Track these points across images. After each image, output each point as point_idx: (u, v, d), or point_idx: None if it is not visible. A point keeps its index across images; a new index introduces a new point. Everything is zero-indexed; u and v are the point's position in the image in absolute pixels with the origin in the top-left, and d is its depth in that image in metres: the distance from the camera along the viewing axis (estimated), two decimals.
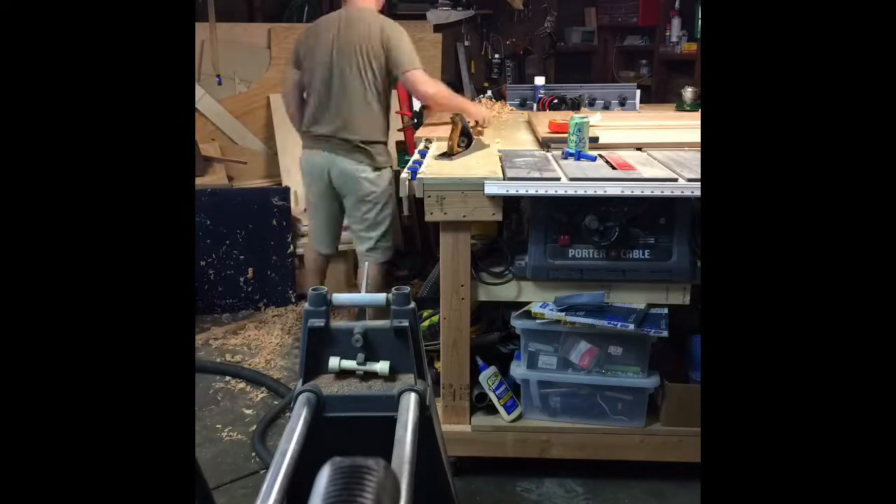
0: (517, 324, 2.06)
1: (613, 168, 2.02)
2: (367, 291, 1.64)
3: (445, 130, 2.63)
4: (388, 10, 3.06)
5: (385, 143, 2.81)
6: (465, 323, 2.04)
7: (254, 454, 2.35)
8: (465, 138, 2.39)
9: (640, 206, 1.94)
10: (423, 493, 1.00)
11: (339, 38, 2.69)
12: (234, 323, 3.41)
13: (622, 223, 1.94)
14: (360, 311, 2.80)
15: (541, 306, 2.02)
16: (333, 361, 1.30)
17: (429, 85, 2.68)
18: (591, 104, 3.43)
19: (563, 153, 2.19)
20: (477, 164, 2.12)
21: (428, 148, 2.46)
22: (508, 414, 2.13)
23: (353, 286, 3.62)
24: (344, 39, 2.68)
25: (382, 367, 1.29)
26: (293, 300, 3.60)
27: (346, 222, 2.96)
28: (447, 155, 2.26)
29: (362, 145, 2.71)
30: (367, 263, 2.35)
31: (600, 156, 2.19)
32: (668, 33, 4.69)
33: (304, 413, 1.19)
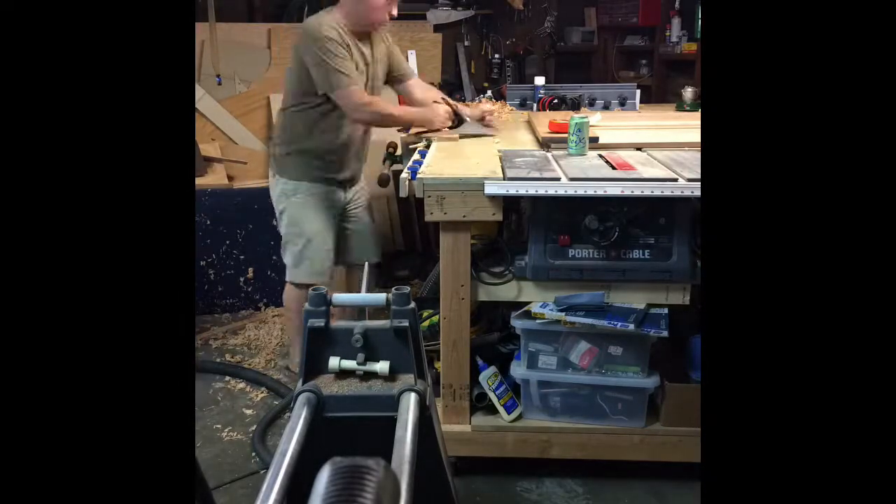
0: (517, 324, 2.06)
1: (613, 168, 2.02)
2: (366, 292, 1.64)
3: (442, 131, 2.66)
4: None
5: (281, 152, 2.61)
6: (465, 323, 2.04)
7: (254, 454, 2.35)
8: (456, 117, 2.57)
9: (640, 206, 1.94)
10: (423, 493, 1.00)
11: None
12: (234, 323, 3.41)
13: (622, 223, 1.94)
14: (359, 311, 2.79)
15: (541, 306, 2.02)
16: (333, 361, 1.30)
17: (354, 111, 2.44)
18: (591, 104, 3.43)
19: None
20: (477, 164, 2.12)
21: (428, 148, 2.46)
22: (508, 414, 2.13)
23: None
24: None
25: (382, 367, 1.29)
26: None
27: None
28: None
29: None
30: (366, 263, 2.35)
31: (600, 156, 2.19)
32: (668, 33, 4.70)
33: (304, 413, 1.19)
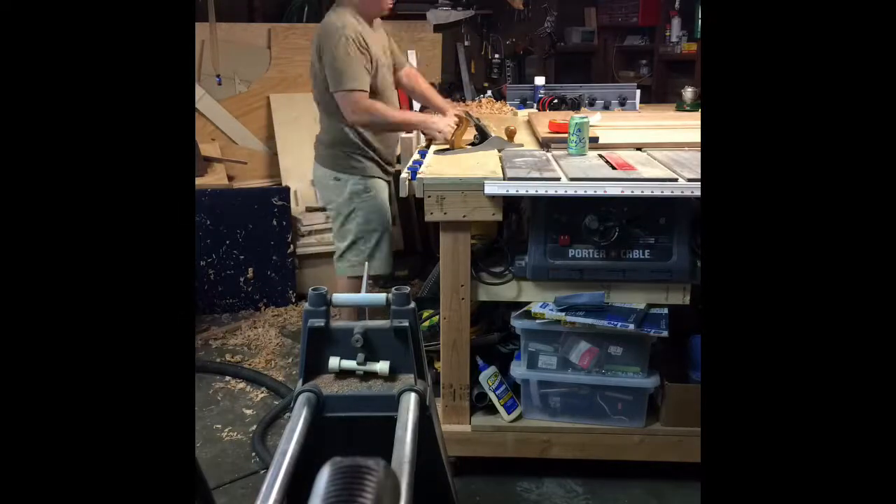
0: (517, 324, 2.06)
1: (613, 168, 2.02)
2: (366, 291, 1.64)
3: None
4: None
5: (348, 151, 2.62)
6: (465, 323, 2.04)
7: (254, 454, 2.35)
8: (480, 135, 2.44)
9: (640, 206, 1.94)
10: (423, 493, 1.00)
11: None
12: (234, 323, 3.41)
13: (622, 223, 1.94)
14: (360, 311, 2.79)
15: (541, 306, 2.02)
16: (333, 361, 1.30)
17: (352, 114, 2.48)
18: (591, 104, 3.43)
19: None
20: (477, 164, 2.12)
21: (428, 148, 2.46)
22: (508, 414, 2.13)
23: None
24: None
25: (382, 367, 1.29)
26: (293, 300, 3.60)
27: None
28: (447, 149, 2.37)
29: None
30: (366, 264, 2.35)
31: (600, 156, 2.19)
32: (668, 33, 4.69)
33: (304, 413, 1.19)
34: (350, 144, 2.58)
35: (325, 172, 2.65)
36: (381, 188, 2.68)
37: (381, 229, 2.65)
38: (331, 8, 2.59)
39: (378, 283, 2.83)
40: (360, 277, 2.49)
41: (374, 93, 2.53)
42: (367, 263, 2.17)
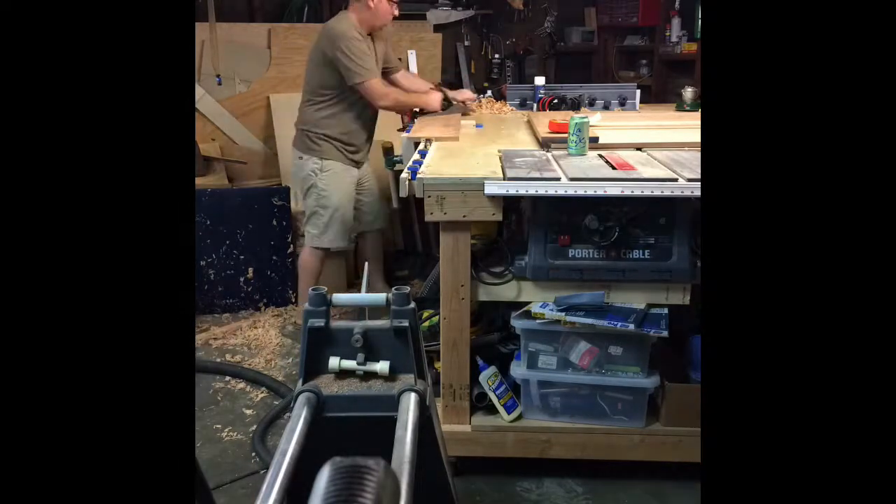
0: (517, 324, 2.06)
1: (613, 168, 2.02)
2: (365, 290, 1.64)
3: (442, 130, 2.66)
4: None
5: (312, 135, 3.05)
6: (465, 323, 2.04)
7: (254, 454, 2.35)
8: (446, 101, 3.17)
9: (640, 206, 1.94)
10: (423, 493, 1.00)
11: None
12: (234, 323, 3.41)
13: (622, 223, 1.94)
14: (359, 311, 2.81)
15: (541, 306, 2.02)
16: (333, 361, 1.30)
17: (380, 99, 2.97)
18: (591, 104, 3.44)
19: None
20: (477, 164, 2.12)
21: (428, 148, 2.46)
22: (508, 414, 2.13)
23: (352, 286, 3.63)
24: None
25: (382, 367, 1.29)
26: (293, 300, 3.60)
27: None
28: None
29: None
30: (366, 264, 2.35)
31: (600, 156, 2.19)
32: (668, 33, 4.69)
33: (304, 413, 1.19)
34: (315, 129, 3.02)
35: (293, 152, 3.14)
36: (340, 170, 3.07)
37: (335, 206, 3.07)
38: (339, 13, 3.02)
39: (339, 255, 3.35)
40: (321, 249, 3.10)
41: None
42: (366, 263, 2.17)
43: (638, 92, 3.52)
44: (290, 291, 3.60)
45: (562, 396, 2.11)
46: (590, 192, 1.87)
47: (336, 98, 2.98)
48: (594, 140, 2.30)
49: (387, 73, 3.22)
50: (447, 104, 3.21)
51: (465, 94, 3.42)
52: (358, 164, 3.17)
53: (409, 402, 1.22)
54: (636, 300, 2.02)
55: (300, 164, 3.10)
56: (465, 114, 3.25)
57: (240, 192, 3.54)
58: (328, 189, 3.06)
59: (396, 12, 3.03)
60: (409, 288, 1.29)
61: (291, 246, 3.56)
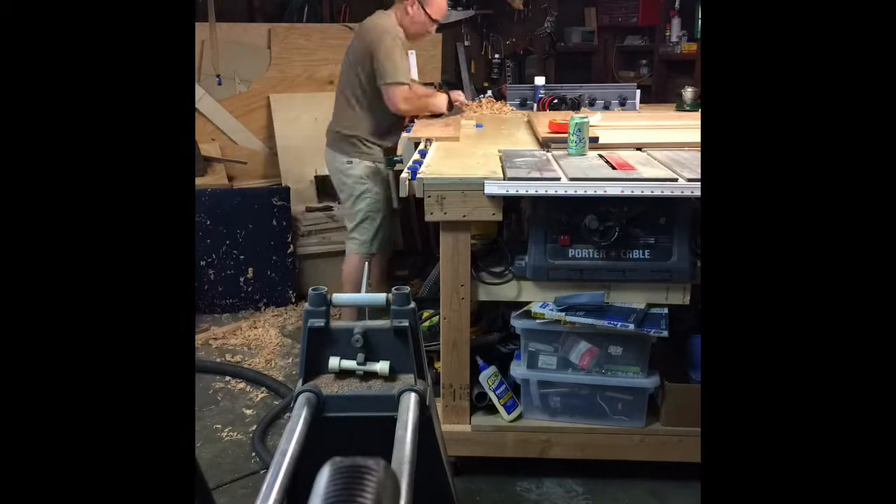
0: (517, 324, 2.05)
1: (613, 168, 2.02)
2: (365, 290, 1.64)
3: (442, 130, 2.67)
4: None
5: (363, 138, 2.96)
6: (465, 323, 2.04)
7: (254, 454, 2.35)
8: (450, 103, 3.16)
9: (640, 206, 1.94)
10: (423, 493, 1.00)
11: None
12: (234, 323, 3.41)
13: (622, 223, 1.94)
14: (359, 311, 2.81)
15: (541, 306, 2.02)
16: (333, 361, 1.30)
17: (403, 103, 2.84)
18: (591, 104, 3.43)
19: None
20: (477, 164, 2.12)
21: (428, 148, 2.46)
22: (508, 414, 2.13)
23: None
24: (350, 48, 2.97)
25: (382, 367, 1.29)
26: (293, 300, 3.60)
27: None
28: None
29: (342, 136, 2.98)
30: (366, 264, 2.35)
31: (600, 156, 2.19)
32: (668, 33, 4.69)
33: (304, 413, 1.19)
34: (363, 134, 2.92)
35: (338, 157, 2.96)
36: (386, 174, 2.99)
37: (387, 211, 2.99)
38: (377, 12, 2.95)
39: (383, 260, 3.10)
40: (368, 255, 2.95)
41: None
42: (366, 263, 2.18)
43: (638, 92, 3.51)
44: (290, 291, 3.60)
45: (562, 396, 2.11)
46: (590, 192, 1.87)
47: (380, 98, 2.88)
48: (594, 140, 2.30)
49: None
50: (450, 107, 3.22)
51: (456, 94, 3.38)
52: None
53: (409, 402, 1.22)
54: (636, 300, 2.02)
55: (347, 168, 2.95)
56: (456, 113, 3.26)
57: (240, 192, 3.54)
58: (382, 193, 2.97)
59: (432, 29, 2.98)
60: (409, 288, 1.29)
61: (291, 246, 3.56)
